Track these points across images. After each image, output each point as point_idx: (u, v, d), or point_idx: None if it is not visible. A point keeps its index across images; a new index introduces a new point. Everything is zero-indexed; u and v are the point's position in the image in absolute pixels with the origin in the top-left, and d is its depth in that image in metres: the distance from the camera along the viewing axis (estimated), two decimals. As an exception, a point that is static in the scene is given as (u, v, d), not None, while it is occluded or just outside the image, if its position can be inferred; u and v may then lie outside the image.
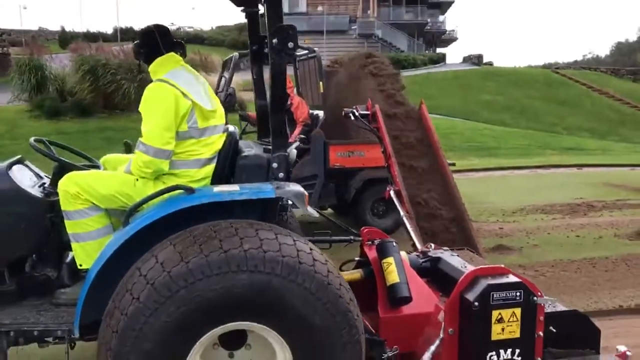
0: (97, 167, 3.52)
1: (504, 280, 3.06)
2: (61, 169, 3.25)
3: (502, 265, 3.20)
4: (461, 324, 3.08)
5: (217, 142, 3.17)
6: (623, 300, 5.30)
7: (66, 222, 3.06)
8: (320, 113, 7.76)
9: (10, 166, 3.22)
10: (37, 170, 3.50)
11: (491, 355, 3.02)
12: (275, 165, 3.06)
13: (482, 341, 3.01)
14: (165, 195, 2.89)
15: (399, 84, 7.70)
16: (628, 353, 3.22)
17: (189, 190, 2.87)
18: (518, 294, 3.02)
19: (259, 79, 3.96)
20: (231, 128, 3.37)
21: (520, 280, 3.07)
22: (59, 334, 2.88)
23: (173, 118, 2.96)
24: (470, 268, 3.42)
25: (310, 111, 7.82)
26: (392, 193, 5.37)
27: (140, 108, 3.00)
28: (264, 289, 2.56)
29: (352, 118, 5.44)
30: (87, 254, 3.04)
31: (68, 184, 3.01)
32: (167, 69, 3.12)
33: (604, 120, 29.36)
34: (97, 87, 15.20)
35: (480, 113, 26.93)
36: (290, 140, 5.21)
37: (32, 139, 3.35)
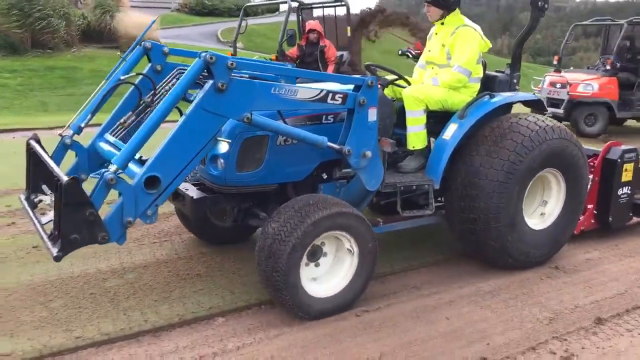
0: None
1: (625, 147, 5.24)
2: (390, 82, 4.56)
3: (618, 141, 5.40)
4: (602, 174, 5.22)
5: (481, 65, 4.76)
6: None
7: (408, 118, 4.40)
8: (345, 53, 9.15)
9: None
10: None
11: (619, 189, 5.20)
12: (515, 80, 4.79)
13: (617, 182, 5.18)
14: (478, 100, 4.45)
15: None
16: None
17: (492, 96, 4.50)
18: (634, 154, 5.22)
19: None
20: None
21: (635, 147, 5.31)
22: (425, 187, 4.28)
23: (478, 53, 4.50)
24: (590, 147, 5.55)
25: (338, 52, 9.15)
26: None
27: (459, 43, 4.39)
28: (563, 148, 4.40)
29: (410, 56, 7.11)
30: (418, 139, 4.43)
31: (416, 92, 4.35)
32: (462, 17, 4.58)
33: None
34: (25, 24, 13.98)
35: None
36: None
37: (366, 63, 4.59)
